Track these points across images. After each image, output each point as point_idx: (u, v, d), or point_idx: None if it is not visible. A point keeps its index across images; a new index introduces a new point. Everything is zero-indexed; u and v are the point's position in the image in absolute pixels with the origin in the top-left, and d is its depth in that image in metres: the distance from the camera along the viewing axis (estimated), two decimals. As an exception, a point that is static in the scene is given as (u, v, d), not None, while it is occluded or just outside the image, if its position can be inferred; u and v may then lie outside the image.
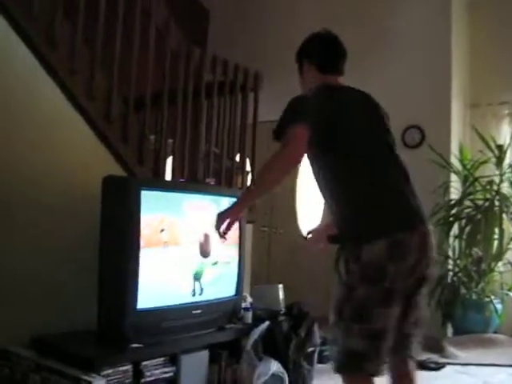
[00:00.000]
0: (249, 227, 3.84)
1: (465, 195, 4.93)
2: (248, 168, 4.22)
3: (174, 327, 2.87)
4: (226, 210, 2.17)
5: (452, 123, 5.06)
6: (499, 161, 4.90)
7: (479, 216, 4.73)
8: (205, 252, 3.06)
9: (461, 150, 5.07)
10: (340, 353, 1.96)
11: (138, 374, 2.61)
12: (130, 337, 2.64)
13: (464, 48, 5.34)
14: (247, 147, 4.09)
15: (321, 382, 3.33)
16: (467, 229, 4.79)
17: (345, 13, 5.12)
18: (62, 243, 2.85)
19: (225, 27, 5.96)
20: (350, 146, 2.03)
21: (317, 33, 2.33)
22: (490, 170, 4.97)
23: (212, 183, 3.58)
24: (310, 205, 5.51)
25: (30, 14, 2.69)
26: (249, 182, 4.18)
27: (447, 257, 4.83)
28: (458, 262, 4.86)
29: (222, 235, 2.14)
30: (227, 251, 3.26)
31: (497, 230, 4.66)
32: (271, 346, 3.24)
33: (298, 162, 2.00)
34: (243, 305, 3.42)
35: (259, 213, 4.38)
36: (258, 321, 3.30)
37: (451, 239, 4.87)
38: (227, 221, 2.12)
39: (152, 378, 2.67)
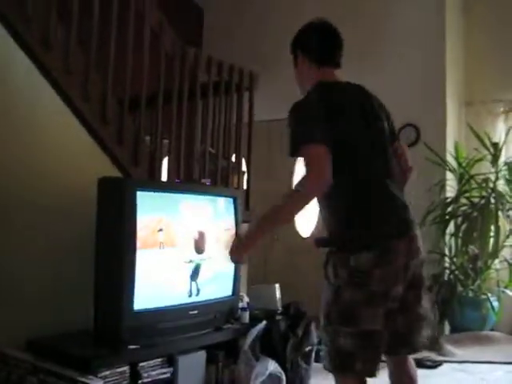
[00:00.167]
0: (245, 227, 3.83)
1: (460, 193, 4.94)
2: (244, 168, 4.22)
3: (171, 328, 2.87)
4: (242, 240, 2.10)
5: (447, 121, 5.07)
6: (494, 158, 4.91)
7: (475, 214, 4.74)
8: (199, 249, 3.06)
9: (456, 148, 5.08)
10: (330, 353, 1.97)
11: (135, 375, 2.61)
12: (127, 338, 2.64)
13: (459, 46, 5.36)
14: (243, 147, 4.09)
15: (318, 381, 3.33)
16: (463, 227, 4.80)
17: (341, 12, 5.10)
18: (59, 245, 2.85)
19: (220, 26, 5.95)
20: (351, 158, 1.99)
21: (313, 22, 2.22)
22: (485, 167, 4.98)
23: (208, 183, 3.58)
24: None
25: (25, 16, 2.69)
26: (245, 182, 4.18)
27: (443, 255, 4.84)
28: (455, 259, 4.87)
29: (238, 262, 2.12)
30: (224, 251, 3.26)
31: (493, 228, 4.67)
32: (268, 346, 3.25)
33: (325, 189, 1.90)
34: (240, 305, 3.41)
35: (256, 213, 4.38)
36: (255, 321, 3.30)
37: (447, 237, 4.88)
38: (244, 251, 2.10)
39: (149, 379, 2.67)
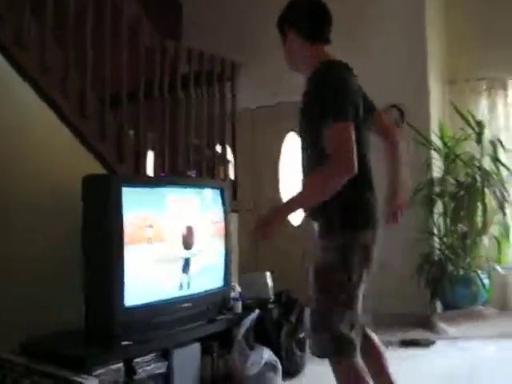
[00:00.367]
0: (234, 216, 3.83)
1: (447, 173, 4.96)
2: (230, 157, 4.21)
3: (164, 322, 2.87)
4: (269, 217, 1.98)
5: (431, 101, 5.07)
6: (479, 137, 4.93)
7: (462, 192, 4.77)
8: (188, 243, 3.06)
9: (441, 128, 5.09)
10: (332, 338, 1.96)
11: (130, 371, 2.60)
12: (120, 334, 2.64)
13: (440, 25, 5.35)
14: (227, 136, 4.08)
15: (313, 367, 3.36)
16: (451, 206, 4.83)
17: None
18: (46, 244, 2.83)
19: (200, 20, 5.87)
20: (358, 143, 1.94)
21: None
22: (470, 146, 4.99)
23: (193, 175, 3.57)
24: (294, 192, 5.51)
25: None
26: (231, 172, 4.17)
27: (433, 234, 4.87)
28: (444, 239, 4.90)
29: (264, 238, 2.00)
30: (213, 242, 3.26)
31: (480, 206, 4.70)
32: (262, 335, 3.27)
33: (354, 172, 1.85)
34: (232, 295, 3.42)
35: (244, 202, 4.38)
36: (247, 310, 3.31)
37: (436, 217, 4.91)
38: (270, 229, 1.98)
39: (145, 375, 2.67)
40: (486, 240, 4.81)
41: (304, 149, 2.12)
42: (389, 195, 2.26)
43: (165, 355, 2.80)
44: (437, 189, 4.90)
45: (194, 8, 5.99)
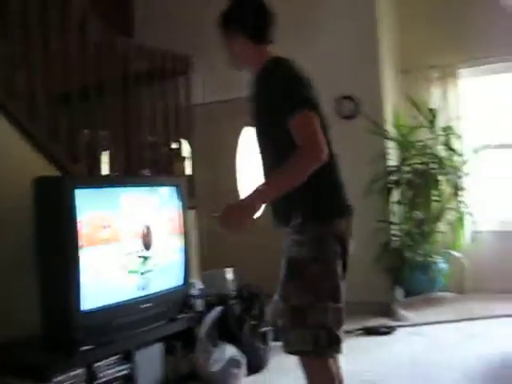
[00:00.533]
0: (191, 213, 3.81)
1: (403, 161, 5.02)
2: (186, 153, 4.17)
3: (125, 324, 2.84)
4: (236, 205, 1.86)
5: (385, 90, 5.11)
6: (432, 124, 5.01)
7: (418, 180, 4.84)
8: (146, 243, 3.02)
9: (395, 117, 5.14)
10: (315, 335, 1.87)
11: (91, 376, 2.57)
12: (79, 339, 2.59)
13: (391, 14, 5.38)
14: (183, 132, 4.04)
15: (278, 360, 3.37)
16: (408, 194, 4.89)
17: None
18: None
19: (152, 17, 5.77)
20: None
21: None
22: (425, 134, 5.07)
23: (148, 174, 3.52)
24: (253, 185, 5.50)
25: None
26: (188, 168, 4.14)
27: (390, 223, 4.93)
28: (402, 226, 4.97)
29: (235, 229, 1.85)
30: (171, 240, 3.23)
31: (435, 192, 4.78)
32: (226, 331, 3.25)
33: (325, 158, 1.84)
34: (193, 292, 3.40)
35: (202, 198, 4.35)
36: (209, 307, 3.29)
37: (394, 205, 4.97)
38: (238, 218, 1.84)
39: (106, 379, 2.64)
40: (442, 226, 4.90)
41: (264, 151, 2.08)
42: None
43: (127, 357, 2.78)
44: (393, 177, 4.96)
45: (147, 6, 5.89)
